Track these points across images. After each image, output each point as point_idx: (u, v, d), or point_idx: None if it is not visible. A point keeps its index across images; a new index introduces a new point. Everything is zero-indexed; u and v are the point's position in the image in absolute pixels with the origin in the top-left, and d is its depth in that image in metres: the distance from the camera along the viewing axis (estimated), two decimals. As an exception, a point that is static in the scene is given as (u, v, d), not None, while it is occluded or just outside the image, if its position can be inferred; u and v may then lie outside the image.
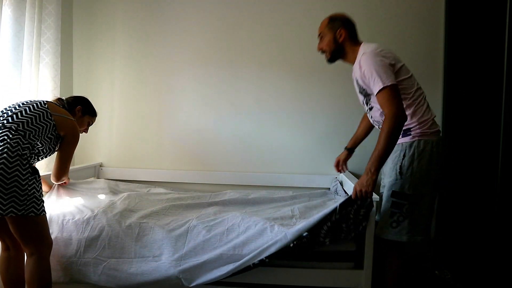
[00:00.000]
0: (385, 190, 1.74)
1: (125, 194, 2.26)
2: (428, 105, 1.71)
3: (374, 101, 1.70)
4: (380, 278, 1.75)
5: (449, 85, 2.49)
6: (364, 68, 1.61)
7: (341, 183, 2.36)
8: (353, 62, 1.78)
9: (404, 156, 1.64)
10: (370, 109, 1.78)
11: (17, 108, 1.65)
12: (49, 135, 1.67)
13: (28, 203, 1.50)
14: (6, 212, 1.45)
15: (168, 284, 1.71)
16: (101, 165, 2.81)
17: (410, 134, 1.67)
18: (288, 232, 1.69)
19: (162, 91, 2.75)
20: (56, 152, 1.82)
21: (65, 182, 2.06)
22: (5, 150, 1.48)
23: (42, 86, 2.21)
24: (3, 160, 1.46)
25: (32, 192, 1.53)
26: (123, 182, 2.65)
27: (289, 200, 2.35)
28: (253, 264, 1.68)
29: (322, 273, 1.80)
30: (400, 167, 1.64)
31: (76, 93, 2.76)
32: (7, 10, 1.93)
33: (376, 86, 1.57)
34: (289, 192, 2.47)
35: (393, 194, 1.65)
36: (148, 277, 1.70)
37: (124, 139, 2.80)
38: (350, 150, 2.23)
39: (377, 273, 1.78)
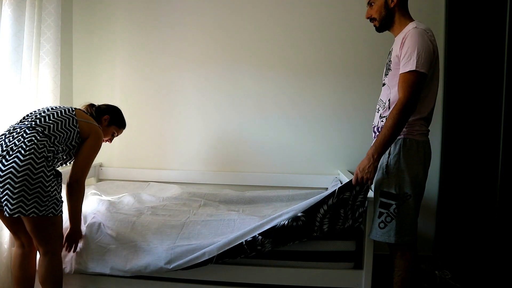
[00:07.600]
0: (373, 189, 1.71)
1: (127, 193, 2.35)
2: (424, 106, 1.68)
3: (391, 79, 1.64)
4: (387, 279, 1.74)
5: (449, 85, 2.49)
6: (409, 41, 1.53)
7: (341, 183, 2.35)
8: (397, 34, 1.69)
9: (389, 154, 1.60)
10: (383, 85, 1.72)
11: (46, 112, 1.67)
12: (72, 143, 1.69)
13: (49, 204, 1.53)
14: (28, 213, 1.47)
15: (159, 271, 1.71)
16: (101, 165, 2.80)
17: None
18: (284, 211, 1.71)
19: (162, 91, 2.75)
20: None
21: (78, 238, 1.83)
22: (32, 151, 1.49)
23: (42, 86, 2.20)
24: (30, 161, 1.47)
25: (53, 194, 1.55)
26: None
27: (286, 201, 2.35)
28: (246, 241, 1.67)
29: (322, 273, 1.80)
30: (387, 165, 1.60)
31: (76, 93, 2.78)
32: (7, 10, 1.92)
33: (408, 65, 1.51)
34: (286, 192, 2.47)
35: (381, 193, 1.62)
36: (141, 262, 1.71)
37: (124, 139, 2.79)
38: None
39: (379, 274, 1.78)
